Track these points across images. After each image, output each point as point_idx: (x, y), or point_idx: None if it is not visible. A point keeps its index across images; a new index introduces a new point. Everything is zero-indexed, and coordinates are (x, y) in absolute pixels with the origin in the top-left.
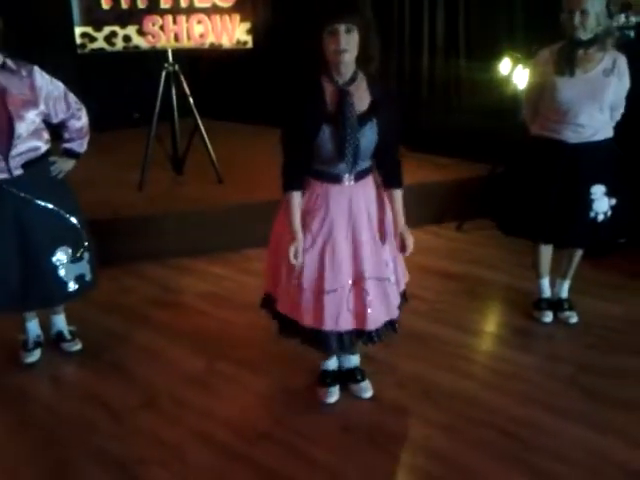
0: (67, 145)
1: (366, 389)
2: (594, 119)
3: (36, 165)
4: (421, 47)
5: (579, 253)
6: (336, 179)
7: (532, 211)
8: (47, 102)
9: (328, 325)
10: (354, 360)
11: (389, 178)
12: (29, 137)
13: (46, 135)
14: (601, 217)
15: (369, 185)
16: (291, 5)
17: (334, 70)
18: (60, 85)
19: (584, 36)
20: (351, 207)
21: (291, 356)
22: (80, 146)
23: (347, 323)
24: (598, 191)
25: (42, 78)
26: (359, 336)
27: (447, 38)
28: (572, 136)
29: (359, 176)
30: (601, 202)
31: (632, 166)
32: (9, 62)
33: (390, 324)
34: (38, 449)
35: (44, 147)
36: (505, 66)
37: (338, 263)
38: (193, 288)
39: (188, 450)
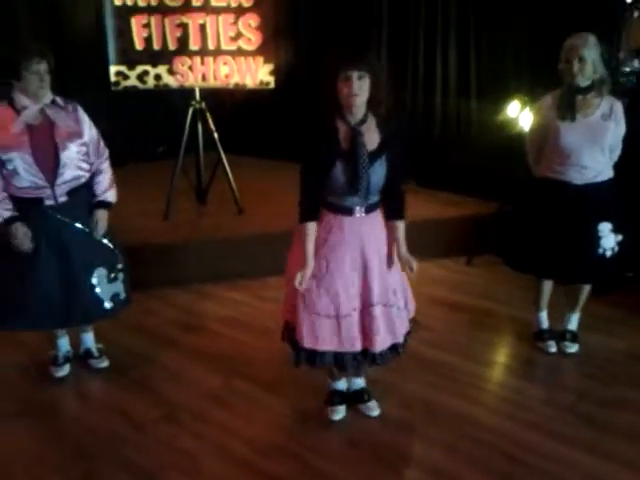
0: (100, 198)
1: (374, 408)
2: (596, 161)
3: (77, 193)
4: (434, 88)
5: (587, 288)
6: (349, 211)
7: (540, 248)
8: (88, 136)
9: (345, 347)
10: (360, 382)
11: (393, 210)
12: (72, 167)
13: (86, 166)
14: (609, 253)
15: (378, 218)
16: (311, 49)
17: (347, 112)
18: (95, 130)
19: (582, 83)
20: (362, 238)
21: (303, 377)
22: (113, 196)
23: (358, 344)
24: (605, 228)
25: (84, 115)
26: (365, 357)
27: (459, 80)
28: (577, 177)
29: (369, 209)
30: (608, 239)
31: (633, 204)
32: (58, 99)
33: (394, 348)
34: (68, 459)
35: (85, 177)
36: (513, 108)
37: (350, 289)
38: (213, 312)
39: (206, 460)
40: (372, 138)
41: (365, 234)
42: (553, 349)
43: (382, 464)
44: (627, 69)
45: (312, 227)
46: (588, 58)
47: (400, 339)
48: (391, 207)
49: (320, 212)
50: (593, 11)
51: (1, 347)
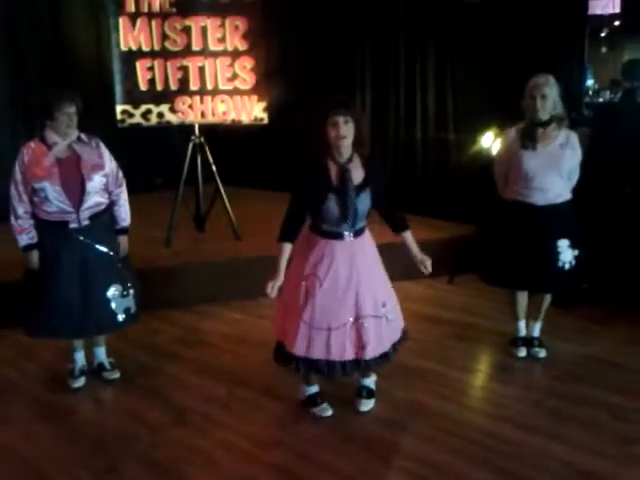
0: (120, 225)
1: (366, 404)
2: (555, 184)
3: (98, 217)
4: (414, 124)
5: (548, 298)
6: (339, 236)
7: (509, 263)
8: (109, 168)
9: (335, 356)
10: (367, 381)
11: (397, 225)
12: (95, 195)
13: (106, 194)
14: (567, 266)
15: (366, 239)
16: (300, 89)
17: (336, 152)
18: (115, 163)
19: (543, 117)
20: (352, 258)
21: (296, 384)
22: (129, 221)
23: (350, 354)
24: (563, 244)
25: (105, 149)
26: (358, 365)
27: (437, 116)
28: (539, 199)
29: (357, 233)
30: (566, 253)
31: (589, 223)
32: (82, 136)
33: (385, 355)
34: (91, 455)
35: (105, 204)
36: (487, 139)
37: (342, 304)
38: (214, 330)
39: (214, 454)
40: (358, 173)
41: (354, 254)
42: (523, 354)
43: (375, 455)
44: (591, 100)
45: (287, 247)
46: (549, 95)
47: (389, 348)
48: (395, 223)
49: (296, 236)
50: (558, 49)
51: (22, 361)
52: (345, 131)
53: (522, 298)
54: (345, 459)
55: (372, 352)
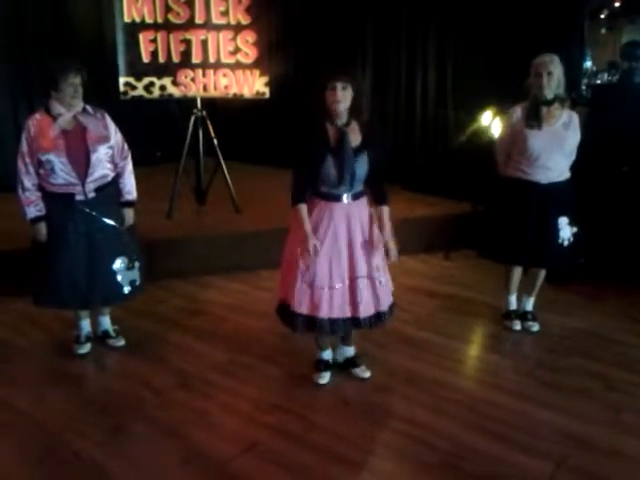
0: (125, 198)
1: (365, 370)
2: (559, 163)
3: (104, 190)
4: (414, 101)
5: (543, 274)
6: (338, 198)
7: (511, 240)
8: (114, 140)
9: (336, 313)
10: (351, 351)
11: (378, 198)
12: (101, 167)
13: (111, 166)
14: (566, 242)
15: (363, 204)
16: (302, 63)
17: (334, 115)
18: (120, 135)
19: (548, 95)
20: (349, 220)
21: (298, 350)
22: (135, 194)
23: (347, 312)
24: (563, 222)
25: (111, 121)
26: (354, 323)
27: (437, 93)
28: (542, 177)
29: (355, 196)
30: (565, 230)
31: (587, 201)
32: (88, 107)
33: (379, 316)
34: (99, 416)
35: (111, 176)
36: (486, 117)
37: (341, 264)
38: (215, 300)
39: (217, 417)
40: (355, 137)
41: (352, 217)
42: (518, 327)
43: (371, 419)
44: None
45: (304, 207)
46: (555, 73)
47: (385, 308)
48: (376, 195)
49: (307, 197)
50: (558, 30)
51: (28, 328)
52: (342, 96)
53: (517, 273)
54: (342, 422)
55: (366, 311)
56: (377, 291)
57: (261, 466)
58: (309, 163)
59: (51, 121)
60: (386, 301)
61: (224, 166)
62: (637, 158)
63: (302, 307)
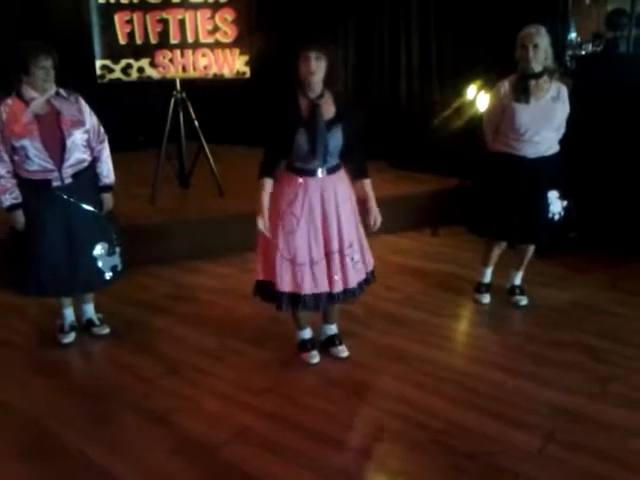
0: (103, 182)
1: (343, 350)
2: (547, 137)
3: (82, 175)
4: (398, 74)
5: (532, 249)
6: (312, 173)
7: (499, 214)
8: (89, 123)
9: (320, 288)
10: (333, 328)
11: (358, 171)
12: (77, 151)
13: (88, 151)
14: (557, 217)
15: (339, 178)
16: (283, 41)
17: (307, 87)
18: (95, 118)
19: (536, 68)
20: (323, 194)
21: (284, 334)
22: (112, 178)
23: (325, 286)
24: (553, 196)
25: (85, 104)
26: (329, 298)
27: (421, 67)
28: (531, 152)
29: (330, 170)
30: (555, 204)
31: (577, 174)
32: (61, 91)
33: (350, 292)
34: (85, 406)
35: (88, 160)
36: (471, 91)
37: (318, 239)
38: (201, 284)
39: (205, 402)
40: (329, 110)
41: (326, 191)
42: (487, 300)
43: (361, 398)
44: (574, 52)
45: (267, 182)
46: (541, 45)
47: (353, 285)
48: (355, 169)
49: (277, 172)
50: (542, 0)
51: (11, 319)
52: (316, 67)
53: (498, 249)
54: (333, 403)
55: (337, 287)
56: (347, 268)
57: (252, 451)
58: (279, 137)
59: (24, 106)
60: (355, 279)
61: (207, 148)
62: (621, 129)
63: (285, 285)
